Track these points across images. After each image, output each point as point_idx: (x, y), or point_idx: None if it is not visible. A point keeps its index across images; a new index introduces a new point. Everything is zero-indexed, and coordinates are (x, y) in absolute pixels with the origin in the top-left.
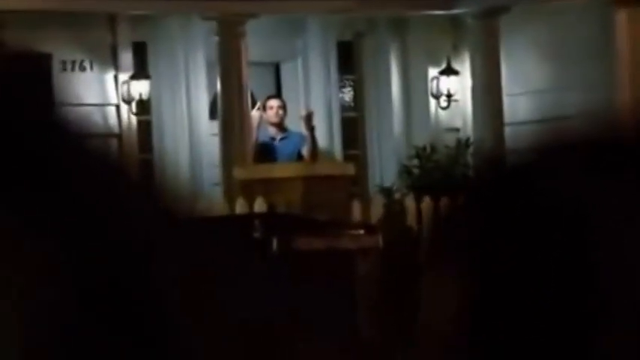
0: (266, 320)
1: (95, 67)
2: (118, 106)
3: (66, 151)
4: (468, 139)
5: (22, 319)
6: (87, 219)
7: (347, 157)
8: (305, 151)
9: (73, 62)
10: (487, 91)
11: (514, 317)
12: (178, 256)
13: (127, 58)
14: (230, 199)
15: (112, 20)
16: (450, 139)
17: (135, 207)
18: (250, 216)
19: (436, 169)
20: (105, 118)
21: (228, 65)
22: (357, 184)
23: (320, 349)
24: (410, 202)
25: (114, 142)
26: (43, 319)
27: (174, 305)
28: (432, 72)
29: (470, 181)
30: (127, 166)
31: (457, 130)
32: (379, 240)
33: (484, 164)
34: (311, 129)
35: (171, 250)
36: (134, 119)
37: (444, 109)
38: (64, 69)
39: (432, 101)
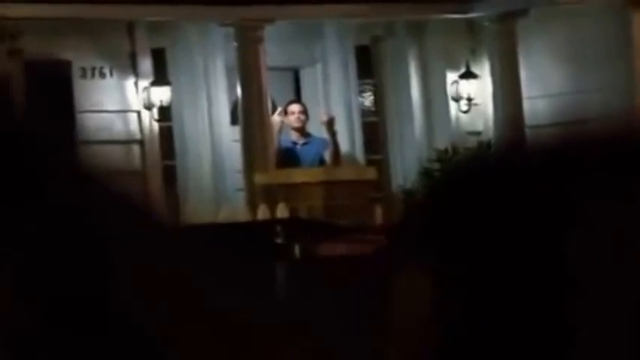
0: (265, 327)
1: (115, 74)
2: (139, 113)
3: (55, 163)
4: (489, 142)
5: None
6: (67, 230)
7: (369, 162)
8: (327, 155)
9: (93, 69)
10: (507, 94)
11: (488, 319)
12: (165, 265)
13: (146, 64)
14: (253, 204)
15: (130, 27)
16: (472, 143)
17: (120, 219)
18: (272, 222)
19: None
20: (126, 124)
21: (248, 71)
22: (379, 188)
23: (317, 351)
24: None
25: (136, 148)
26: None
27: (158, 316)
28: (451, 76)
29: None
30: (122, 178)
31: (478, 133)
32: None
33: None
34: (333, 134)
35: (155, 260)
36: (156, 125)
37: (464, 112)
38: (84, 76)
39: (453, 105)
